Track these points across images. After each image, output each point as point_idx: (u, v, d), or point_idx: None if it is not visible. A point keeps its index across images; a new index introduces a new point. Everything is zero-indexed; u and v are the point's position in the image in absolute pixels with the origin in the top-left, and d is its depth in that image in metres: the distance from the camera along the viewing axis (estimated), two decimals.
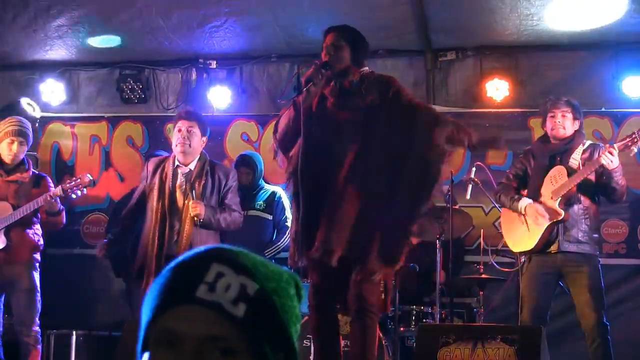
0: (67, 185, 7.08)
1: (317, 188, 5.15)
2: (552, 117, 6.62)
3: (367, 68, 5.46)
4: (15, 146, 7.18)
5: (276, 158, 5.50)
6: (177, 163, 6.68)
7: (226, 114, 9.35)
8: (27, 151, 7.45)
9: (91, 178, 7.20)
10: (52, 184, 7.45)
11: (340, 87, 5.30)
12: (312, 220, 5.12)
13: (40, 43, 9.20)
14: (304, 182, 5.16)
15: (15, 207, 7.12)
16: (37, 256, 7.30)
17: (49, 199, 7.04)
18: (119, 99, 9.70)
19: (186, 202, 6.51)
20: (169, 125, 9.53)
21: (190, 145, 6.64)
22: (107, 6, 8.25)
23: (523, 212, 6.58)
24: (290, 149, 5.32)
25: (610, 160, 6.21)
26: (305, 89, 5.14)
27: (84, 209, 9.63)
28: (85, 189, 7.15)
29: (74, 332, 8.27)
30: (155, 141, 9.59)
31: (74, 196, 7.19)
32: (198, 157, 6.74)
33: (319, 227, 5.06)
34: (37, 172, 7.54)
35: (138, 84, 9.57)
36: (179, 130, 6.66)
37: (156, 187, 6.60)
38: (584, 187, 6.45)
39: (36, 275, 7.26)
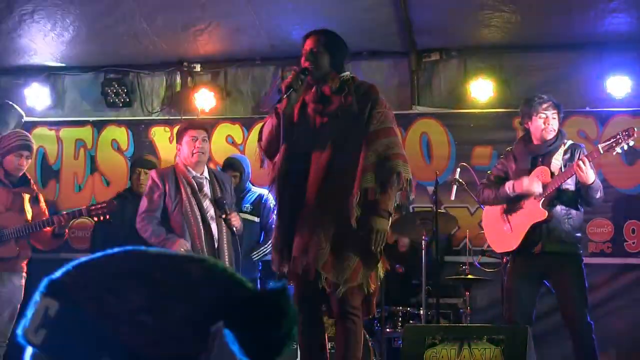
0: (93, 207, 7.25)
1: (296, 195, 5.16)
2: (544, 118, 6.56)
3: (348, 73, 5.40)
4: (21, 161, 7.28)
5: (263, 166, 5.51)
6: (193, 173, 6.75)
7: (211, 117, 9.34)
8: None
9: (116, 203, 7.33)
10: (44, 204, 7.60)
11: (321, 94, 5.29)
12: (290, 228, 5.14)
13: (24, 48, 9.20)
14: (285, 188, 5.17)
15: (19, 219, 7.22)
16: (24, 265, 7.37)
17: (64, 219, 7.17)
18: (104, 103, 9.69)
19: (225, 214, 6.63)
20: (154, 129, 9.55)
21: (205, 154, 6.80)
22: (92, 10, 8.24)
23: (511, 191, 6.53)
24: (274, 155, 5.32)
25: (583, 172, 6.18)
26: (285, 95, 5.14)
27: (71, 211, 9.61)
28: (108, 216, 7.24)
29: None
30: (140, 145, 9.58)
31: (95, 219, 7.35)
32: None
33: (295, 236, 5.07)
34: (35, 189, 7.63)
35: (123, 87, 9.55)
36: (195, 140, 6.73)
37: (185, 197, 6.64)
38: (564, 193, 6.45)
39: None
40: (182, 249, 6.31)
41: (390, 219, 5.21)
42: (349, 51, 5.53)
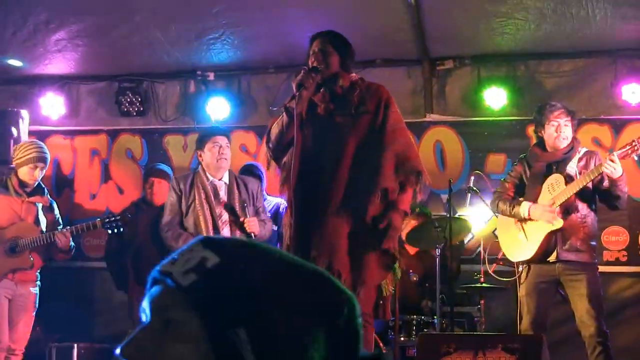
0: (107, 220, 7.37)
1: (310, 194, 5.13)
2: (556, 126, 6.55)
3: (355, 74, 5.42)
4: (37, 172, 7.36)
5: (269, 168, 5.50)
6: (210, 178, 6.79)
7: (224, 125, 9.34)
8: None
9: (131, 217, 7.46)
10: (58, 212, 7.66)
11: (331, 93, 5.27)
12: (305, 227, 5.10)
13: (39, 57, 9.23)
14: (297, 188, 5.14)
15: (34, 230, 7.28)
16: (38, 273, 7.41)
17: (65, 236, 7.27)
18: (118, 111, 9.72)
19: (237, 219, 6.66)
20: (168, 138, 9.57)
21: (227, 161, 6.90)
22: (106, 20, 8.26)
23: (527, 216, 6.53)
24: (283, 156, 5.29)
25: (614, 168, 6.18)
26: (297, 92, 5.12)
27: (84, 222, 9.63)
28: (122, 228, 7.37)
29: (76, 345, 8.28)
30: (155, 154, 9.61)
31: (110, 232, 7.46)
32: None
33: (312, 236, 5.04)
34: (50, 199, 7.66)
35: (137, 96, 9.58)
36: (219, 146, 6.85)
37: (197, 202, 6.73)
38: (583, 196, 6.42)
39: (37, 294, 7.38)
40: None
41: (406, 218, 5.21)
42: (355, 53, 5.50)
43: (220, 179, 6.86)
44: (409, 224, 7.94)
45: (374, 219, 5.01)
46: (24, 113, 8.47)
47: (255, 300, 1.39)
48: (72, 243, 7.43)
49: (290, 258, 1.49)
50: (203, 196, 6.78)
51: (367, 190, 5.03)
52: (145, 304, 1.45)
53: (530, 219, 6.52)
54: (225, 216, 6.75)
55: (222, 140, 6.91)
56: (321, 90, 5.26)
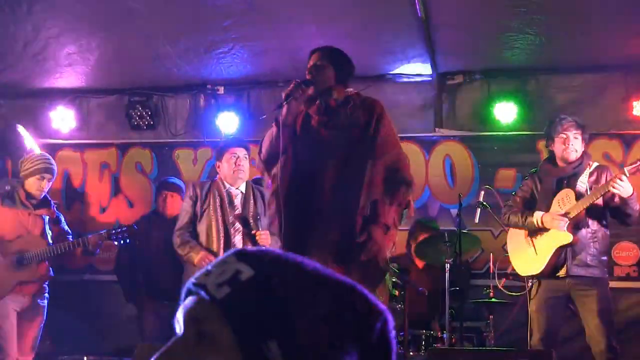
0: (114, 231, 7.42)
1: (300, 206, 5.14)
2: (564, 139, 6.55)
3: (351, 89, 5.45)
4: (44, 183, 7.41)
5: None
6: (227, 186, 6.86)
7: (234, 139, 9.34)
8: None
9: (137, 229, 7.52)
10: (65, 224, 7.68)
11: (326, 106, 5.30)
12: (295, 238, 5.11)
13: (50, 71, 9.25)
14: (287, 200, 5.15)
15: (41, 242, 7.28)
16: (46, 285, 7.41)
17: (93, 242, 7.32)
18: (128, 125, 9.73)
19: (249, 231, 6.71)
20: (178, 151, 9.59)
21: (244, 172, 7.03)
22: (116, 33, 8.28)
23: (540, 224, 6.51)
24: (274, 167, 5.31)
25: (622, 186, 6.16)
26: (284, 102, 5.16)
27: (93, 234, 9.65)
28: (128, 240, 7.41)
29: (85, 358, 8.28)
30: (164, 167, 9.62)
31: (115, 243, 7.56)
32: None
33: (301, 247, 5.02)
34: (57, 211, 7.67)
35: (147, 110, 9.60)
36: (236, 157, 6.99)
37: (212, 210, 6.79)
38: (593, 211, 6.40)
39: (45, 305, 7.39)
40: (203, 263, 6.44)
41: (390, 231, 5.18)
42: (354, 69, 5.53)
43: (237, 188, 6.94)
44: (418, 237, 7.94)
45: (355, 232, 5.03)
46: (21, 129, 8.57)
47: (288, 313, 1.40)
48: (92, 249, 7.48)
49: (323, 271, 1.50)
50: (218, 203, 6.88)
51: (357, 203, 5.05)
52: (179, 315, 1.46)
53: (542, 229, 6.50)
54: (238, 224, 6.81)
55: (240, 151, 7.05)
56: (316, 103, 5.30)
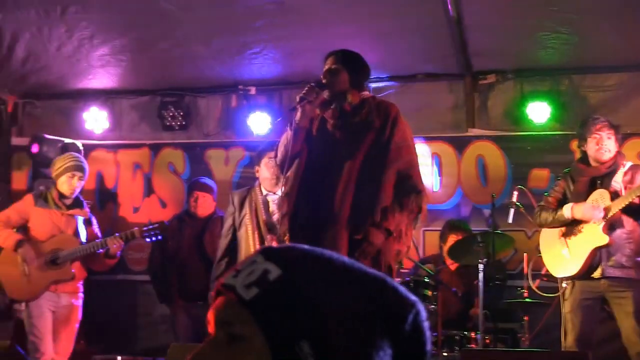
0: (145, 229, 7.42)
1: (312, 209, 5.13)
2: (597, 139, 6.50)
3: (367, 92, 5.45)
4: (75, 181, 7.43)
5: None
6: (264, 191, 6.87)
7: (266, 139, 9.37)
8: None
9: (167, 225, 7.53)
10: (97, 227, 7.70)
11: (341, 110, 5.29)
12: (306, 241, 5.09)
13: (83, 72, 9.31)
14: (299, 202, 5.14)
15: (74, 242, 7.32)
16: (80, 285, 7.45)
17: (118, 242, 7.29)
18: (160, 125, 9.78)
19: (276, 236, 6.76)
20: (210, 152, 9.62)
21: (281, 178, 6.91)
22: (149, 34, 8.31)
23: (570, 216, 6.45)
24: (288, 170, 5.31)
25: None
26: (298, 105, 5.16)
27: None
28: (160, 236, 7.38)
29: (119, 357, 8.33)
30: (196, 167, 9.65)
31: (147, 240, 7.51)
32: None
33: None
34: (90, 213, 7.71)
35: (179, 110, 9.64)
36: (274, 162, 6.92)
37: (248, 219, 6.83)
38: (629, 211, 6.35)
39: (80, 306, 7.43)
40: None
41: (398, 238, 5.15)
42: (370, 72, 5.52)
43: (275, 193, 6.93)
44: (451, 240, 7.93)
45: (359, 230, 5.01)
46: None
47: (318, 312, 1.39)
48: (119, 252, 7.51)
49: (352, 265, 1.49)
50: (253, 209, 6.87)
51: (368, 208, 5.03)
52: (210, 317, 1.47)
53: (576, 229, 6.45)
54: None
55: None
56: (332, 106, 5.29)
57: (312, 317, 1.39)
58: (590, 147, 6.54)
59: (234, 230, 7.12)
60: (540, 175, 8.73)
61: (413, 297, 1.49)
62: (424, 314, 1.48)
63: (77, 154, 7.79)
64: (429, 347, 1.48)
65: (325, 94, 5.29)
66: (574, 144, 7.90)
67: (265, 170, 7.06)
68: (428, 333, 1.48)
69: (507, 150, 8.91)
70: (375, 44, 8.26)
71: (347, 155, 5.16)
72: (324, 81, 5.31)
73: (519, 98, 8.93)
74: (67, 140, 9.11)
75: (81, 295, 7.43)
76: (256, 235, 6.85)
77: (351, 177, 5.09)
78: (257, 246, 6.78)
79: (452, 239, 7.96)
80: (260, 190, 7.00)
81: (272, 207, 6.95)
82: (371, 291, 1.45)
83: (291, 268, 1.44)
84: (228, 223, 7.22)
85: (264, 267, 1.43)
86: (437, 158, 9.07)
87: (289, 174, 5.29)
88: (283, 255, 1.47)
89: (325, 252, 1.50)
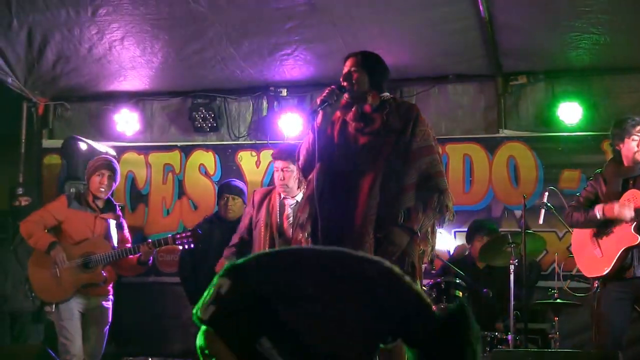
0: (178, 236, 7.40)
1: (336, 213, 5.11)
2: (637, 140, 6.44)
3: (387, 93, 5.39)
4: (104, 180, 7.40)
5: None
6: (282, 195, 6.89)
7: (297, 141, 9.36)
8: None
9: (201, 233, 7.51)
10: (127, 231, 7.71)
11: (361, 112, 5.28)
12: (332, 244, 5.06)
13: (114, 74, 9.37)
14: (324, 206, 5.13)
15: (106, 245, 7.37)
16: (110, 288, 7.48)
17: (149, 247, 7.35)
18: (192, 127, 9.82)
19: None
20: (241, 153, 9.65)
21: (287, 185, 6.86)
22: (180, 36, 8.35)
23: (601, 216, 6.41)
24: (310, 174, 5.29)
25: None
26: (319, 108, 5.14)
27: (158, 237, 9.73)
28: (192, 245, 7.38)
29: (150, 359, 8.36)
30: (227, 169, 9.69)
31: (180, 247, 7.48)
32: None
33: None
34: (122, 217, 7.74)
35: (210, 112, 9.67)
36: (277, 170, 6.93)
37: (262, 219, 6.84)
38: None
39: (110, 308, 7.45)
40: None
41: (421, 238, 5.12)
42: (389, 73, 5.49)
43: (293, 197, 6.88)
44: (477, 241, 7.94)
45: (381, 230, 4.99)
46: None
47: (268, 305, 1.41)
48: (145, 259, 7.52)
49: (309, 250, 1.51)
50: (269, 210, 6.85)
51: (392, 209, 5.00)
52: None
53: (607, 229, 6.41)
54: (289, 233, 6.78)
55: (280, 164, 6.93)
56: (352, 109, 5.28)
57: (264, 311, 1.40)
58: (629, 148, 6.47)
59: (250, 231, 7.08)
60: (571, 176, 8.70)
61: (427, 300, 1.49)
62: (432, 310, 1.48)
63: (106, 155, 7.83)
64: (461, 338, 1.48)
65: (346, 97, 5.27)
66: (606, 144, 7.87)
67: (275, 177, 7.01)
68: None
69: (538, 151, 8.89)
70: (407, 45, 8.27)
71: (370, 157, 5.14)
72: (344, 84, 5.29)
73: (550, 99, 8.92)
74: (99, 147, 9.18)
75: (111, 297, 7.45)
76: (267, 238, 6.82)
77: (374, 179, 5.07)
78: (267, 248, 6.75)
79: (478, 240, 7.97)
80: (280, 193, 6.95)
81: (288, 210, 6.91)
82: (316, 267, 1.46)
83: (240, 276, 1.45)
84: (244, 223, 7.18)
85: (219, 284, 1.45)
86: (468, 159, 9.06)
87: (310, 177, 5.29)
88: (240, 266, 1.49)
89: (286, 247, 1.52)
